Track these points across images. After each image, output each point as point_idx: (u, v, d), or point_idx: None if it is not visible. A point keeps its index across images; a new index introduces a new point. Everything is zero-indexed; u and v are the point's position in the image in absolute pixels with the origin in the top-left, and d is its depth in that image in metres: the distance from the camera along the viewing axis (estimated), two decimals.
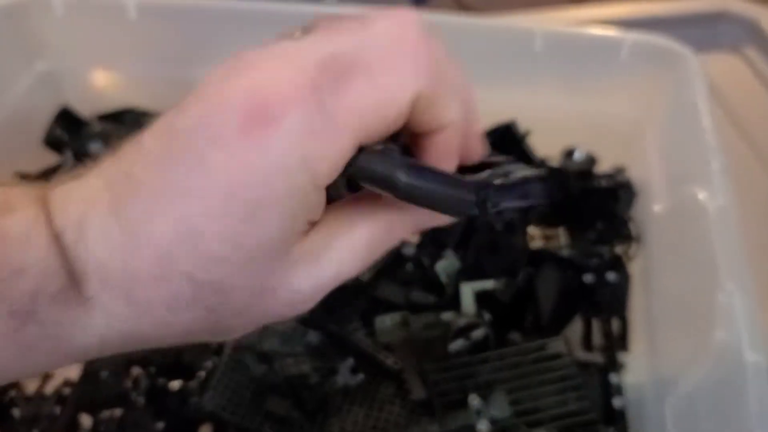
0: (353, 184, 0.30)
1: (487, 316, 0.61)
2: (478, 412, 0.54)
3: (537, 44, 0.72)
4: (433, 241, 0.66)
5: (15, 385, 0.58)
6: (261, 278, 0.28)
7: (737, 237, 0.53)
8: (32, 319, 0.26)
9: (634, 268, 0.65)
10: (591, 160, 0.72)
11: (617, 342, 0.62)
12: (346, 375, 0.58)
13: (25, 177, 0.75)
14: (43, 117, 0.77)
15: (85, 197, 0.28)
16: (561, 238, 0.67)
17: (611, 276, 0.63)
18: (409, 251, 0.66)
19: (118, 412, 0.57)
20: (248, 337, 0.57)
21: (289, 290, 0.29)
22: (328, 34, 0.29)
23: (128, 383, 0.57)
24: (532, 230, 0.66)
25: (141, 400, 0.56)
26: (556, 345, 0.59)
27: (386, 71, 0.28)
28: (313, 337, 0.60)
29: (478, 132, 0.34)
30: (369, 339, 0.60)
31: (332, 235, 0.30)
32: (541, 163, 0.70)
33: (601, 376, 0.59)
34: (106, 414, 0.57)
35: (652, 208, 0.66)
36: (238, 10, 0.79)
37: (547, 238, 0.66)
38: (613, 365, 0.60)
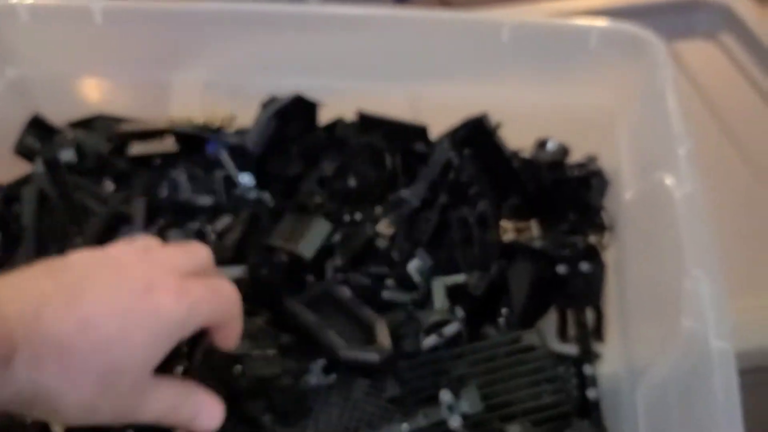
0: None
1: (460, 312, 0.61)
2: (450, 408, 0.53)
3: (504, 36, 0.71)
4: (406, 237, 0.66)
5: None
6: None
7: (705, 223, 0.53)
8: None
9: (608, 258, 0.65)
10: (563, 151, 0.72)
11: (592, 333, 0.62)
12: (318, 375, 0.58)
13: None
14: (13, 125, 0.76)
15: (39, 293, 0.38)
16: (534, 230, 0.67)
17: (585, 266, 0.62)
18: (382, 244, 0.66)
19: None
20: None
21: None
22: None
23: None
24: (505, 223, 0.66)
25: None
26: (530, 337, 0.59)
27: None
28: (284, 337, 0.59)
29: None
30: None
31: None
32: (513, 156, 0.69)
33: (575, 367, 0.59)
34: None
35: (623, 197, 0.66)
36: (205, 13, 0.79)
37: (519, 230, 0.66)
38: (588, 356, 0.60)
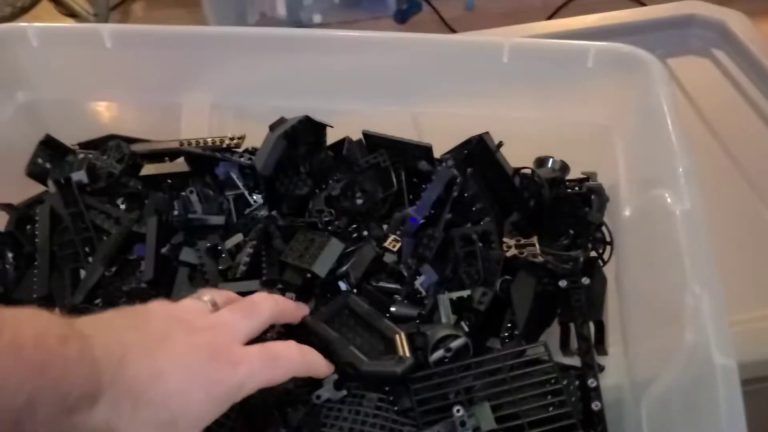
0: None
1: (465, 326, 0.62)
2: (463, 423, 0.55)
3: (505, 56, 0.73)
4: (412, 253, 0.68)
5: None
6: None
7: (704, 239, 0.55)
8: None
9: (607, 273, 0.67)
10: (564, 168, 0.74)
11: (595, 345, 0.63)
12: (330, 390, 0.59)
13: (8, 207, 0.76)
14: (24, 148, 0.78)
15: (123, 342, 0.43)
16: (536, 245, 0.68)
17: (586, 280, 0.64)
18: (390, 259, 0.67)
19: None
20: None
21: None
22: None
23: None
24: (507, 239, 0.67)
25: None
26: (535, 350, 0.60)
27: None
28: None
29: None
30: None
31: None
32: (514, 173, 0.71)
33: (579, 380, 0.60)
34: None
35: (622, 213, 0.68)
36: (212, 36, 0.81)
37: (521, 246, 0.67)
38: (591, 369, 0.61)
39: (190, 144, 0.73)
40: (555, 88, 0.75)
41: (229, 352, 0.46)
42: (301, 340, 0.55)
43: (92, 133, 0.80)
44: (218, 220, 0.70)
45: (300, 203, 0.72)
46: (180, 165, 0.74)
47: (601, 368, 0.62)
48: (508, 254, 0.66)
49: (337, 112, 0.76)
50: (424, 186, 0.72)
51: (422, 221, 0.68)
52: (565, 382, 0.59)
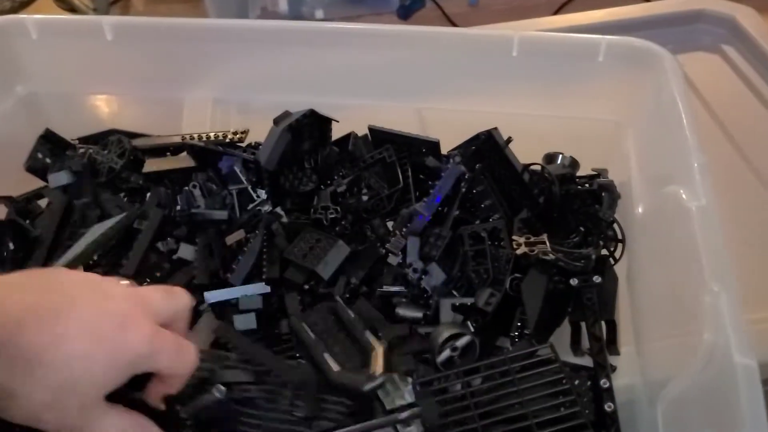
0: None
1: (472, 326, 0.61)
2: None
3: (514, 50, 0.72)
4: (418, 252, 0.66)
5: None
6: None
7: (720, 236, 0.54)
8: None
9: (618, 270, 0.65)
10: (573, 164, 0.73)
11: (607, 345, 0.62)
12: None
13: (7, 199, 0.74)
14: (23, 142, 0.76)
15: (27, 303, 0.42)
16: (546, 243, 0.67)
17: (598, 279, 0.63)
18: (394, 260, 0.66)
19: None
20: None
21: None
22: None
23: None
24: (517, 237, 0.66)
25: None
26: (545, 351, 0.59)
27: None
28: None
29: None
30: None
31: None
32: (524, 169, 0.70)
33: (591, 380, 0.59)
34: None
35: (635, 209, 0.66)
36: (215, 29, 0.79)
37: (531, 244, 0.66)
38: (603, 369, 0.60)
39: (192, 139, 0.72)
40: (564, 82, 0.74)
41: (140, 323, 0.45)
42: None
43: (92, 127, 0.78)
44: (221, 214, 0.69)
45: (305, 200, 0.71)
46: (182, 161, 0.73)
47: (613, 368, 0.60)
48: (519, 252, 0.64)
49: (341, 106, 0.75)
50: (431, 183, 0.71)
51: (429, 218, 0.67)
52: (576, 383, 0.58)
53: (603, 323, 0.62)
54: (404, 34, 0.78)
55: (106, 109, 0.85)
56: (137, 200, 0.72)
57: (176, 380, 0.48)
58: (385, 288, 0.65)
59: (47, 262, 0.68)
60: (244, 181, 0.70)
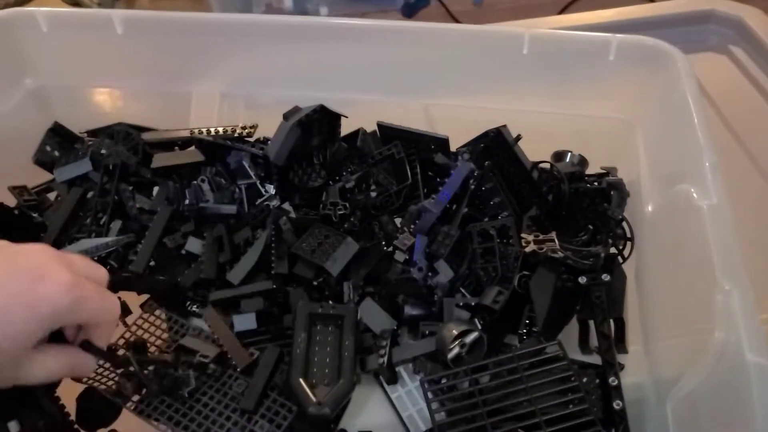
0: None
1: (479, 323, 0.61)
2: None
3: (525, 48, 0.72)
4: (426, 249, 0.66)
5: None
6: None
7: (732, 235, 0.53)
8: None
9: (627, 269, 0.65)
10: (582, 162, 0.73)
11: (615, 343, 0.62)
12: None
13: (18, 189, 0.74)
14: (32, 134, 0.76)
15: None
16: (555, 241, 0.67)
17: (606, 277, 0.63)
18: (401, 257, 0.66)
19: None
20: None
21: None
22: None
23: None
24: (525, 234, 0.66)
25: None
26: (553, 348, 0.59)
27: None
28: None
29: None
30: None
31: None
32: (533, 167, 0.70)
33: (600, 377, 0.59)
34: None
35: (644, 208, 0.66)
36: (224, 24, 0.79)
37: (540, 242, 0.66)
38: (612, 367, 0.60)
39: (201, 133, 0.72)
40: (574, 80, 0.74)
41: (57, 273, 0.45)
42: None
43: (100, 120, 0.78)
44: (230, 209, 0.69)
45: (313, 195, 0.70)
46: (190, 156, 0.73)
47: (622, 366, 0.60)
48: (527, 250, 0.64)
49: (349, 102, 0.75)
50: (439, 179, 0.71)
51: (438, 215, 0.67)
52: (584, 380, 0.58)
53: (611, 321, 0.62)
54: (414, 31, 0.78)
55: (114, 102, 0.84)
56: (145, 194, 0.72)
57: (104, 329, 0.49)
58: (407, 311, 0.65)
59: None
60: (253, 176, 0.70)
